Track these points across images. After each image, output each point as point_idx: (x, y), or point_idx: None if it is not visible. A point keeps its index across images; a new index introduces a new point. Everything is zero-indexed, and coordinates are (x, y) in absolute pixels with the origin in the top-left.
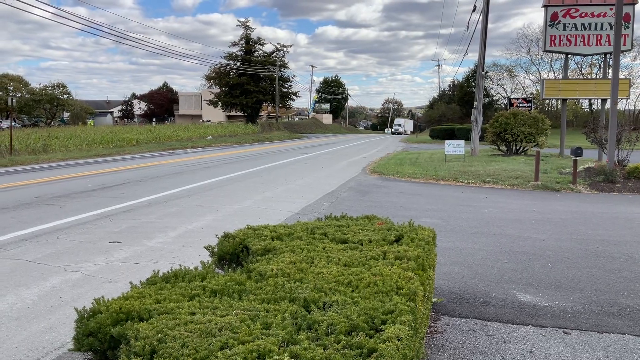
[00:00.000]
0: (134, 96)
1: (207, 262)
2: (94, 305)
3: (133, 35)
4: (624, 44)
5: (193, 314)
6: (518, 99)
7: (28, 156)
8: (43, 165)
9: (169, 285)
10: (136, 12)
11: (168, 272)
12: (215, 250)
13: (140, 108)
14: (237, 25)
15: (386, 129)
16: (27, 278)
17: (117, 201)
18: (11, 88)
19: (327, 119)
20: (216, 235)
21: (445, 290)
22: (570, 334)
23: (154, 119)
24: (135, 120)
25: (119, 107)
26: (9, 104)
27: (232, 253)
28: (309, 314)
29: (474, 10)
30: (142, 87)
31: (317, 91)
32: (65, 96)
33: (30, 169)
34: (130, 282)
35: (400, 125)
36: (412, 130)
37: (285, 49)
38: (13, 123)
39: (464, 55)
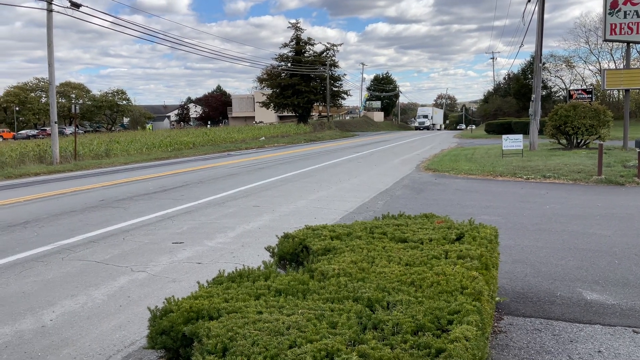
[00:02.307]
0: (189, 100)
1: (268, 262)
2: (165, 304)
3: (187, 40)
4: None
5: (260, 312)
6: (577, 90)
7: (92, 161)
8: (106, 169)
9: (234, 284)
10: (191, 17)
11: (233, 272)
12: (275, 250)
13: (195, 111)
14: (288, 27)
15: (441, 125)
16: (96, 278)
17: (178, 203)
18: (73, 95)
19: (379, 116)
20: (276, 236)
21: (508, 290)
22: None
23: (209, 122)
24: (191, 123)
25: (176, 111)
26: (73, 110)
27: (292, 253)
28: (374, 313)
29: (529, 0)
30: (197, 91)
31: (368, 89)
32: (124, 102)
33: (94, 173)
34: (198, 282)
35: (426, 116)
36: (441, 123)
37: (335, 48)
38: (76, 129)
39: (520, 47)
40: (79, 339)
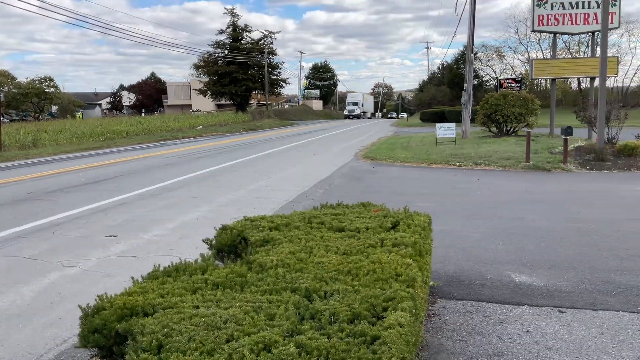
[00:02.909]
0: (122, 87)
1: (206, 255)
2: (97, 301)
3: (119, 25)
4: (612, 22)
5: (197, 307)
6: (507, 79)
7: (18, 151)
8: (34, 160)
9: (170, 279)
10: (123, 2)
11: (169, 266)
12: (213, 242)
13: (129, 99)
14: (224, 13)
15: (378, 114)
16: (26, 275)
17: (112, 194)
18: None
19: (317, 105)
20: (214, 228)
21: (441, 274)
22: (565, 312)
23: (143, 110)
24: (125, 111)
25: (108, 99)
26: None
27: (231, 245)
28: (311, 303)
29: None
30: (130, 78)
31: (307, 77)
32: (52, 89)
33: (21, 164)
34: (132, 277)
35: (356, 104)
36: (372, 111)
37: (273, 35)
38: (1, 118)
39: (453, 37)
40: (7, 338)
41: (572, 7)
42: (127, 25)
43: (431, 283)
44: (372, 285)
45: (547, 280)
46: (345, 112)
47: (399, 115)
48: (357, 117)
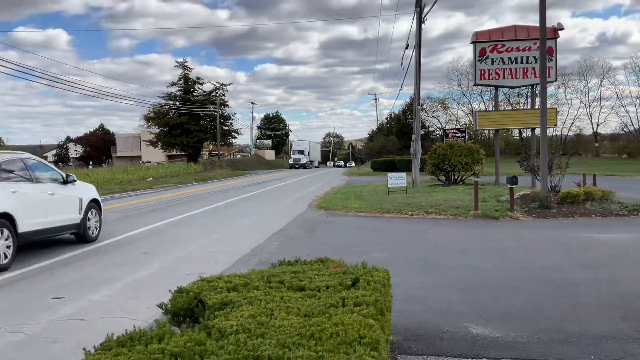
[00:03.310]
0: (69, 139)
1: (161, 321)
2: None
3: (67, 78)
4: (549, 76)
5: None
6: (452, 129)
7: None
8: None
9: (125, 349)
10: (71, 54)
11: (123, 335)
12: (168, 307)
13: (76, 151)
14: (175, 66)
15: (330, 163)
16: None
17: (58, 252)
18: None
19: (270, 154)
20: (169, 291)
21: (400, 328)
22: None
23: (91, 162)
24: (71, 164)
25: (54, 152)
26: None
27: (187, 309)
28: None
29: (407, 47)
30: (78, 129)
31: (259, 127)
32: None
33: None
34: (84, 349)
35: (302, 152)
36: (320, 160)
37: (224, 87)
38: None
39: (400, 89)
40: None
41: (512, 62)
42: (75, 78)
43: (391, 338)
44: (335, 350)
45: (504, 332)
46: (290, 161)
47: (347, 164)
48: (304, 166)
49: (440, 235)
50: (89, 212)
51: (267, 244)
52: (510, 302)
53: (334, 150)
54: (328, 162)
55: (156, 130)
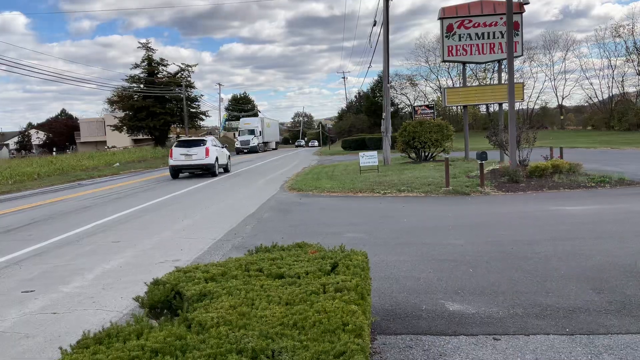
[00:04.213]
0: (30, 126)
1: (138, 315)
2: None
3: (26, 62)
4: (515, 51)
5: None
6: (421, 106)
7: None
8: None
9: (103, 347)
10: (29, 37)
11: (100, 331)
12: (145, 300)
13: (38, 138)
14: (138, 47)
15: (297, 142)
16: None
17: (26, 244)
18: None
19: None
20: (145, 283)
21: (378, 308)
22: (499, 339)
23: (55, 149)
24: (34, 151)
25: (15, 139)
26: None
27: (165, 301)
28: None
29: (374, 24)
30: (40, 115)
31: (227, 109)
32: None
33: None
34: (61, 347)
35: (252, 132)
36: (278, 139)
37: (190, 68)
38: None
39: (369, 67)
40: None
41: (479, 38)
42: (34, 62)
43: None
44: (320, 338)
45: (479, 307)
46: (237, 145)
47: (310, 143)
48: (254, 150)
49: (413, 212)
50: (229, 160)
51: (241, 227)
52: (485, 277)
53: (303, 130)
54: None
55: (121, 114)
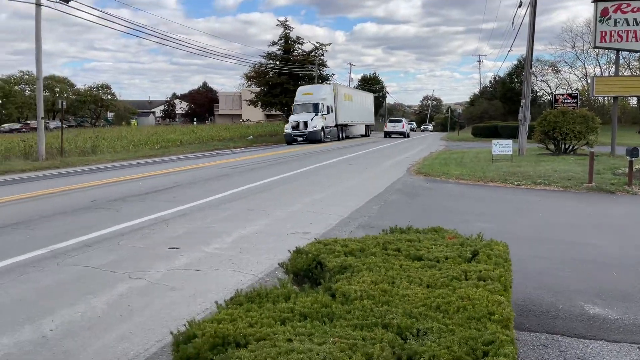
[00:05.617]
0: (175, 96)
1: (283, 279)
2: (187, 328)
3: (174, 36)
4: None
5: (290, 340)
6: (563, 94)
7: (78, 158)
8: (93, 167)
9: (255, 306)
10: (179, 12)
11: (251, 291)
12: (289, 267)
13: (181, 108)
14: (277, 25)
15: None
16: (94, 285)
17: (171, 205)
18: (57, 89)
19: None
20: (288, 251)
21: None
22: None
23: (195, 119)
24: (177, 120)
25: (161, 107)
26: (60, 106)
27: (306, 270)
28: (406, 342)
29: (519, 5)
30: (183, 86)
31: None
32: (109, 97)
33: (81, 171)
34: (216, 302)
35: (316, 107)
36: (370, 121)
37: (324, 47)
38: (62, 125)
39: (509, 51)
40: (81, 351)
41: (637, 24)
42: (182, 36)
43: None
44: (465, 324)
45: (623, 313)
46: (287, 129)
47: (422, 127)
48: (315, 138)
49: (550, 207)
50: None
51: (367, 207)
52: (630, 282)
53: (431, 114)
54: (423, 126)
55: (256, 89)
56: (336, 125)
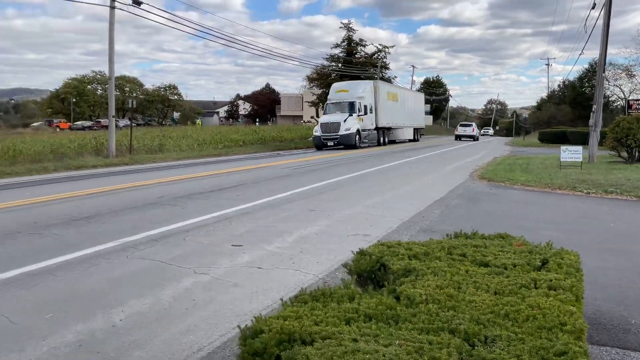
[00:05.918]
0: (238, 97)
1: (347, 280)
2: (254, 323)
3: (240, 38)
4: None
5: (355, 340)
6: (637, 100)
7: (146, 155)
8: (160, 164)
9: (319, 304)
10: (244, 15)
11: (315, 290)
12: (352, 268)
13: (244, 109)
14: (340, 27)
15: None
16: (161, 279)
17: (234, 203)
18: (127, 89)
19: (428, 120)
20: (351, 252)
21: None
22: None
23: (257, 119)
24: (240, 120)
25: (225, 108)
26: (130, 105)
27: (370, 271)
28: (473, 349)
29: (593, 7)
30: (246, 88)
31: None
32: (175, 97)
33: (149, 168)
34: (281, 299)
35: (352, 106)
36: (420, 123)
37: (387, 49)
38: (132, 124)
39: (580, 54)
40: (148, 341)
41: None
42: (247, 38)
43: None
44: (535, 334)
45: None
46: (316, 132)
47: (482, 131)
48: (348, 142)
49: (623, 217)
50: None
51: (428, 212)
52: None
53: (495, 118)
54: (485, 130)
55: (318, 91)
56: (376, 128)
